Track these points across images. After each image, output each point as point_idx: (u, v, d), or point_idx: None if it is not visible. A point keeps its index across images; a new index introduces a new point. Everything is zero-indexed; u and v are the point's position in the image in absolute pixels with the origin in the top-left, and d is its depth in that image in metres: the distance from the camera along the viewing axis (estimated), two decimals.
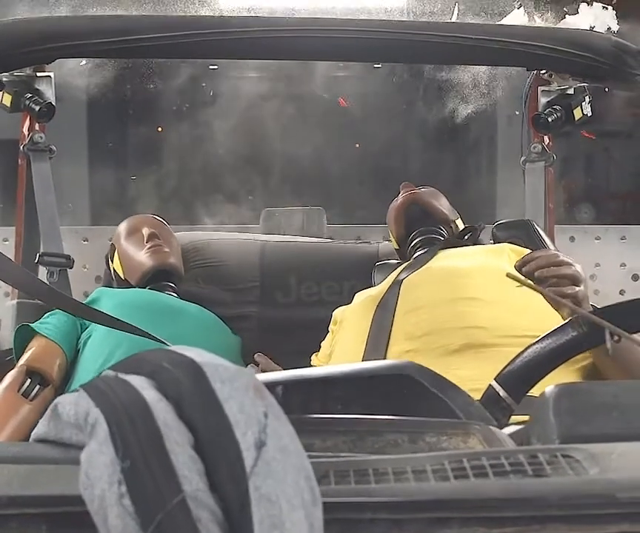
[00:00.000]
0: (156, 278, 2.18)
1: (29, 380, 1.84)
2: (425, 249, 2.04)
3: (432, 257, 1.95)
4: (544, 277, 1.42)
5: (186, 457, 0.60)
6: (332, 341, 1.96)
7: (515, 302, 1.64)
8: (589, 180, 6.31)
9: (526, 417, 1.04)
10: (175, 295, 2.18)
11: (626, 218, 5.34)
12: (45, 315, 2.04)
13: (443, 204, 2.19)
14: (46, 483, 0.66)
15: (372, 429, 0.84)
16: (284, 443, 0.62)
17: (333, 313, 2.03)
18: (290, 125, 4.58)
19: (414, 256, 2.05)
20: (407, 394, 0.93)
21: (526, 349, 1.17)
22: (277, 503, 0.58)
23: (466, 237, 2.14)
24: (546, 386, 0.91)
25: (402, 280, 1.86)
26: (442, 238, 2.09)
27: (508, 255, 1.90)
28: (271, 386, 0.88)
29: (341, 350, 1.84)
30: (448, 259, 1.92)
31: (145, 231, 2.22)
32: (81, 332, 2.00)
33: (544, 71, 2.40)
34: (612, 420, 0.78)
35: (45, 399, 1.83)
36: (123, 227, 2.30)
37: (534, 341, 1.18)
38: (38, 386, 1.85)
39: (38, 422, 0.77)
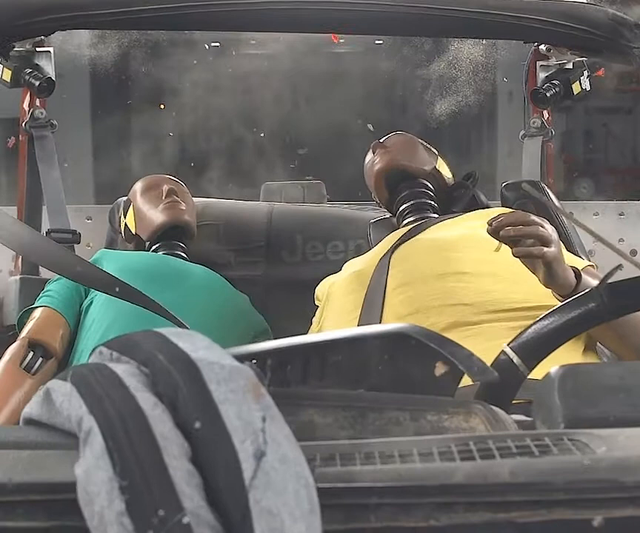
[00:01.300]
0: (168, 235, 2.14)
1: (31, 353, 1.81)
2: (414, 215, 1.98)
3: (423, 230, 1.88)
4: (512, 236, 1.40)
5: (184, 471, 0.59)
6: (320, 318, 1.91)
7: (505, 273, 1.61)
8: (588, 155, 6.31)
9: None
10: (184, 255, 2.14)
11: (625, 192, 5.34)
12: (47, 283, 2.02)
13: (420, 156, 2.08)
14: (50, 468, 0.65)
15: (373, 406, 0.83)
16: (283, 450, 0.61)
17: (317, 288, 2.00)
18: (291, 101, 4.58)
19: (403, 223, 1.99)
20: (405, 353, 0.92)
21: (542, 317, 1.16)
22: (278, 516, 0.57)
23: (459, 191, 2.08)
24: (547, 366, 0.90)
25: (392, 253, 1.81)
26: (429, 196, 2.01)
27: None
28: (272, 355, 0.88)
29: (332, 328, 1.78)
30: (437, 229, 1.87)
31: (164, 188, 2.19)
32: (85, 297, 1.96)
33: (542, 45, 2.39)
34: (619, 402, 0.77)
35: (48, 372, 1.80)
36: (141, 183, 2.27)
37: (551, 310, 1.17)
38: (40, 359, 1.81)
39: None
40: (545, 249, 1.40)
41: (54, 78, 2.24)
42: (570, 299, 1.18)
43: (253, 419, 0.61)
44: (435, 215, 1.98)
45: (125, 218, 2.25)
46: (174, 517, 0.56)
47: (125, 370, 0.67)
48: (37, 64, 2.22)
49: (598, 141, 6.41)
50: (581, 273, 1.48)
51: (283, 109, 4.83)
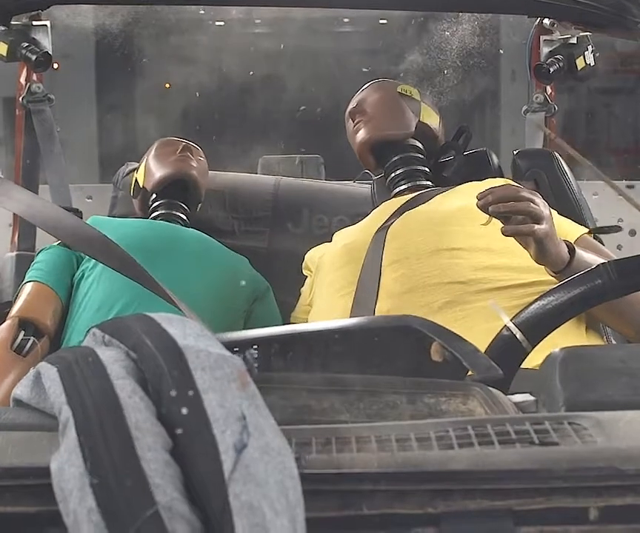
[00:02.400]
0: (172, 191, 2.05)
1: (22, 333, 1.74)
2: (406, 183, 1.88)
3: (419, 204, 1.78)
4: (501, 211, 1.36)
5: (159, 462, 0.58)
6: (311, 290, 1.86)
7: (499, 248, 1.57)
8: (590, 136, 6.30)
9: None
10: (184, 217, 2.07)
11: (626, 172, 5.33)
12: (38, 252, 1.94)
13: (402, 116, 1.94)
14: (41, 452, 0.64)
15: (369, 390, 0.83)
16: (266, 440, 0.59)
17: (306, 257, 1.94)
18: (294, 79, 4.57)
19: (395, 191, 1.90)
20: (411, 347, 0.91)
21: (547, 293, 1.14)
22: (259, 509, 0.55)
23: (448, 158, 1.98)
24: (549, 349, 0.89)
25: (388, 227, 1.73)
26: (419, 160, 1.91)
27: None
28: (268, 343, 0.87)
29: (324, 305, 1.74)
30: (433, 202, 1.78)
31: (181, 146, 2.12)
32: (76, 268, 1.89)
33: (546, 19, 2.36)
34: (620, 386, 0.76)
35: (40, 352, 1.73)
36: (158, 142, 2.19)
37: (556, 286, 1.15)
38: (32, 338, 1.74)
39: None
40: (536, 226, 1.36)
41: (51, 52, 2.21)
42: (576, 275, 1.16)
43: (236, 408, 0.60)
44: (428, 182, 1.91)
45: (137, 173, 2.18)
46: (146, 511, 0.55)
47: (111, 356, 0.66)
48: (34, 38, 2.19)
49: (600, 121, 6.41)
50: (575, 247, 1.45)
51: (287, 87, 4.81)
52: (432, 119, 1.99)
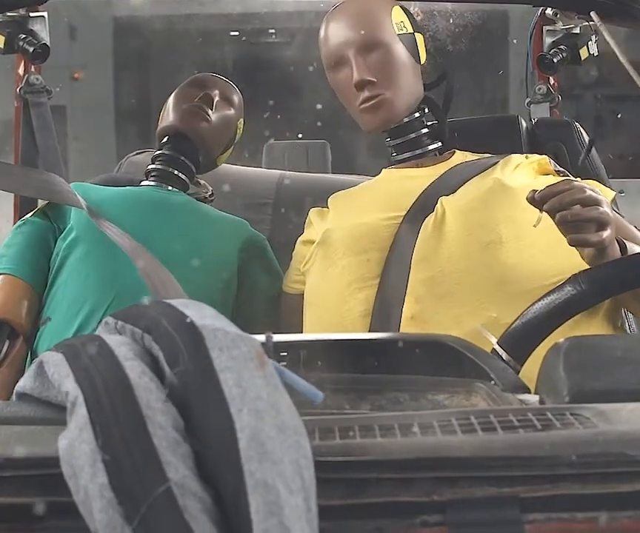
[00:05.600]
0: (176, 143, 1.81)
1: None
2: (410, 150, 1.62)
3: (452, 187, 1.53)
4: (568, 221, 1.20)
5: (170, 441, 0.58)
6: (307, 259, 1.63)
7: (532, 236, 1.37)
8: (597, 142, 6.39)
9: None
10: (184, 177, 1.81)
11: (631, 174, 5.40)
12: (10, 233, 1.76)
13: (413, 80, 1.63)
14: (43, 443, 0.64)
15: (372, 388, 0.84)
16: (283, 418, 0.59)
17: (310, 212, 1.76)
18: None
19: (398, 157, 1.64)
20: (442, 362, 0.92)
21: (527, 309, 1.13)
22: (274, 487, 0.55)
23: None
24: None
25: (423, 219, 1.49)
26: (424, 119, 1.63)
27: (525, 165, 1.57)
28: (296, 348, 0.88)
29: (337, 294, 1.50)
30: (467, 185, 1.54)
31: (204, 92, 1.83)
32: (54, 243, 1.70)
33: (549, 9, 2.35)
34: (625, 374, 0.76)
35: (17, 357, 1.60)
36: (190, 78, 1.94)
37: (535, 301, 1.14)
38: (7, 342, 1.60)
39: (13, 384, 0.76)
40: (604, 234, 1.20)
41: (49, 44, 2.20)
42: (551, 289, 1.16)
43: (253, 387, 0.60)
44: (437, 143, 1.65)
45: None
46: (158, 487, 0.55)
47: (118, 340, 0.66)
48: (31, 30, 2.18)
49: (608, 126, 6.50)
50: (626, 244, 1.30)
51: (298, 94, 4.85)
52: (423, 48, 1.69)
